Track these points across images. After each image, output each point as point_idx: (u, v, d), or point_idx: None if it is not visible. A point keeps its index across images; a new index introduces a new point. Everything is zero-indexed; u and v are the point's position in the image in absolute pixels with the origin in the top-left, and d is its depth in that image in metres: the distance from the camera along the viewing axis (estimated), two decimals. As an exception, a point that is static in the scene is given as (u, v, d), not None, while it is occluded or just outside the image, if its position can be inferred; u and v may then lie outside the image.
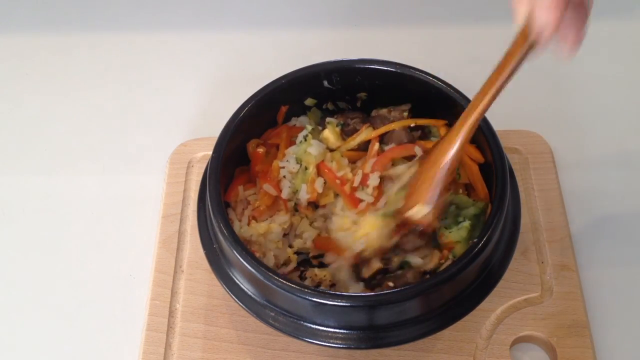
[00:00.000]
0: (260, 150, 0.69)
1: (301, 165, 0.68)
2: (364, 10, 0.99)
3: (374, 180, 0.66)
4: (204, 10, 1.00)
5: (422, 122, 0.70)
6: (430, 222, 0.61)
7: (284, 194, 0.67)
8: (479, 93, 0.56)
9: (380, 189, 0.66)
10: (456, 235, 0.63)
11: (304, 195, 0.67)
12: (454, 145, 0.59)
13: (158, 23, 0.99)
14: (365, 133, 0.70)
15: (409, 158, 0.67)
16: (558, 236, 0.71)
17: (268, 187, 0.68)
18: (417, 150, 0.67)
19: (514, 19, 0.49)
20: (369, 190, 0.66)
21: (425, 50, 0.92)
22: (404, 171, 0.65)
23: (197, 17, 1.00)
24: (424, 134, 0.70)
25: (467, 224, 0.63)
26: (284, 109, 0.71)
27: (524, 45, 0.50)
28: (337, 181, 0.67)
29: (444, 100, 0.67)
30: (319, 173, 0.68)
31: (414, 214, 0.60)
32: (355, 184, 0.66)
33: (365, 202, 0.65)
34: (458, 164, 0.62)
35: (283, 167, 0.68)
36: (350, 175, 0.67)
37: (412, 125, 0.70)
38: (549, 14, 0.45)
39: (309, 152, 0.68)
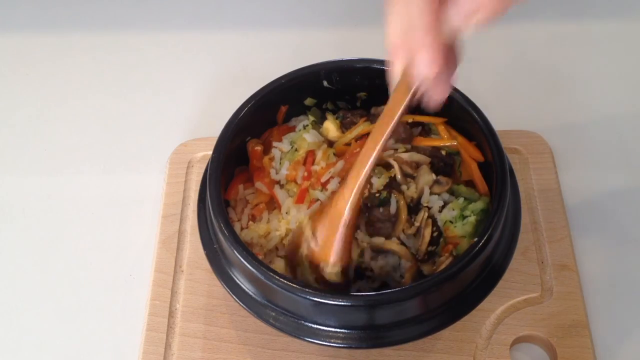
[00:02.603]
0: (258, 148, 0.69)
1: (292, 147, 0.68)
2: (364, 10, 0.99)
3: (333, 185, 0.66)
4: (204, 10, 1.00)
5: (420, 118, 0.70)
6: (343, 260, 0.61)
7: (272, 174, 0.68)
8: (368, 144, 0.56)
9: None
10: (461, 229, 0.62)
11: (283, 172, 0.67)
12: (347, 202, 0.59)
13: (158, 23, 0.99)
14: (362, 127, 0.70)
15: None
16: (558, 236, 0.71)
17: (260, 185, 0.68)
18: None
19: (390, 73, 0.51)
20: (327, 193, 0.65)
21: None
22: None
23: (197, 17, 1.00)
24: (424, 130, 0.70)
25: (472, 219, 0.63)
26: (283, 108, 0.71)
27: (406, 96, 0.52)
28: (305, 172, 0.67)
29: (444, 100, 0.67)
30: (304, 162, 0.68)
31: (327, 268, 0.61)
32: (323, 180, 0.66)
33: (318, 203, 0.65)
34: (356, 216, 0.61)
35: (275, 147, 0.69)
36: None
37: (410, 121, 0.70)
38: (429, 69, 0.47)
39: (303, 137, 0.68)
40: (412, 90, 0.52)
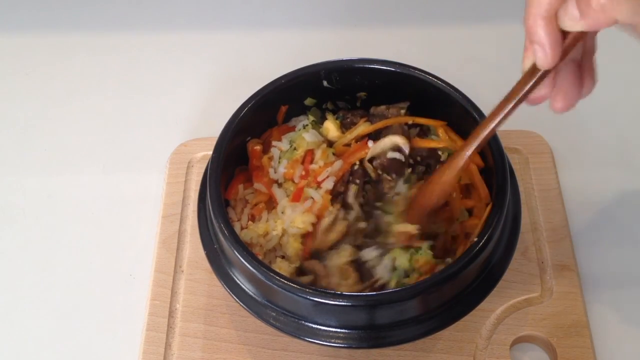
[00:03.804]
0: (258, 147, 0.69)
1: (291, 146, 0.69)
2: (364, 10, 0.99)
3: (327, 184, 0.66)
4: (204, 10, 1.00)
5: (420, 120, 0.70)
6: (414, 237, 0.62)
7: (271, 173, 0.68)
8: (485, 121, 0.57)
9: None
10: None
11: (281, 170, 0.68)
12: (453, 172, 0.60)
13: (158, 23, 0.99)
14: (362, 127, 0.70)
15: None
16: (558, 236, 0.71)
17: (259, 186, 0.68)
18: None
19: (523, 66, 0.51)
20: (321, 191, 0.66)
21: (425, 50, 0.93)
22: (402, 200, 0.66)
23: (197, 17, 1.00)
24: (422, 131, 0.70)
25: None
26: (283, 108, 0.71)
27: (529, 81, 0.52)
28: (303, 171, 0.67)
29: (443, 100, 0.67)
30: (302, 161, 0.68)
31: (401, 230, 0.62)
32: (320, 179, 0.66)
33: (310, 200, 0.65)
34: (453, 190, 0.63)
35: (275, 147, 0.69)
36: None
37: (409, 122, 0.70)
38: (542, 61, 0.48)
39: (302, 137, 0.69)
40: (534, 78, 0.51)
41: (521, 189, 0.68)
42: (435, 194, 0.62)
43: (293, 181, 0.67)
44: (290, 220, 0.64)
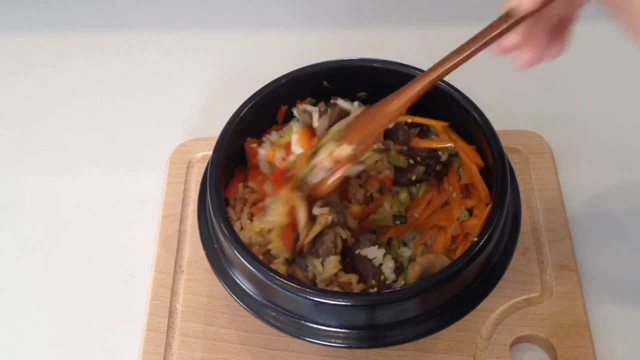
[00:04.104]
0: (254, 145, 0.69)
1: (280, 136, 0.69)
2: (364, 10, 0.99)
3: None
4: (204, 10, 1.00)
5: (420, 120, 0.70)
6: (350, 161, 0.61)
7: (262, 167, 0.68)
8: (451, 54, 0.56)
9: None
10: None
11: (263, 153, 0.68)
12: (402, 102, 0.59)
13: (158, 23, 0.99)
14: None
15: None
16: (558, 236, 0.71)
17: (253, 184, 0.68)
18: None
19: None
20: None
21: (425, 50, 0.92)
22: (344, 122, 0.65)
23: (197, 17, 1.00)
24: (423, 131, 0.70)
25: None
26: (283, 108, 0.71)
27: (502, 21, 0.51)
28: (284, 154, 0.67)
29: (444, 100, 0.67)
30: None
31: (339, 151, 0.61)
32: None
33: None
34: (398, 116, 0.62)
35: (265, 141, 0.70)
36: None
37: (409, 121, 0.70)
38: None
39: (291, 125, 0.69)
40: (510, 20, 0.51)
41: (521, 189, 0.68)
42: (377, 120, 0.60)
43: (274, 164, 0.67)
44: (278, 214, 0.64)
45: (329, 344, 0.58)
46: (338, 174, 0.61)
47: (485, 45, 0.52)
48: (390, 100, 0.60)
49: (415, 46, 0.93)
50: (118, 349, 0.68)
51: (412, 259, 0.64)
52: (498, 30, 0.51)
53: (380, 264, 0.63)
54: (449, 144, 0.67)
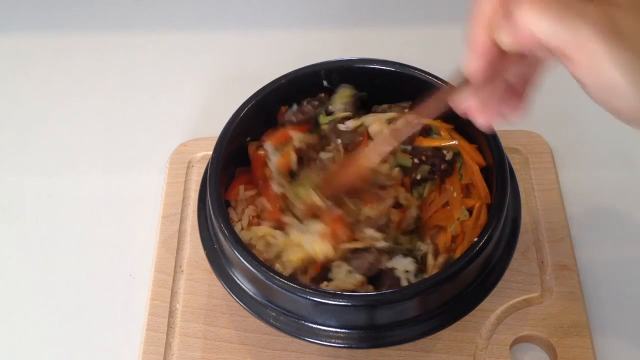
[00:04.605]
0: (262, 152, 0.69)
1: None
2: (364, 10, 0.99)
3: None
4: (204, 10, 1.00)
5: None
6: None
7: (274, 187, 0.67)
8: (407, 119, 0.57)
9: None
10: None
11: (274, 161, 0.68)
12: (373, 160, 0.61)
13: (158, 23, 0.99)
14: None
15: None
16: (558, 236, 0.71)
17: (265, 202, 0.67)
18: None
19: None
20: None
21: (425, 50, 0.92)
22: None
23: (197, 17, 1.00)
24: (425, 130, 0.70)
25: None
26: (284, 109, 0.71)
27: (458, 84, 0.51)
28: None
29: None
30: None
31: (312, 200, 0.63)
32: None
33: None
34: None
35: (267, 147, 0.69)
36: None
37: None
38: (468, 70, 0.47)
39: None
40: (457, 89, 0.50)
41: (521, 189, 0.68)
42: (351, 175, 0.62)
43: (291, 175, 0.68)
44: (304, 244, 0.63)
45: (329, 344, 0.58)
46: None
47: (438, 110, 0.53)
48: (365, 155, 0.62)
49: (415, 46, 0.93)
50: (118, 349, 0.68)
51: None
52: (449, 93, 0.51)
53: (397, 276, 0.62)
54: (453, 142, 0.67)
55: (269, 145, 0.69)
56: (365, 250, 0.62)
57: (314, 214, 0.64)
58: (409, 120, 0.57)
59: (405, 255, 0.63)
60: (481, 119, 0.51)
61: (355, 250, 0.62)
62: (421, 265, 0.63)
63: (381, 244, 0.62)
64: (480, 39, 0.46)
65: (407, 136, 0.59)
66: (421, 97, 0.69)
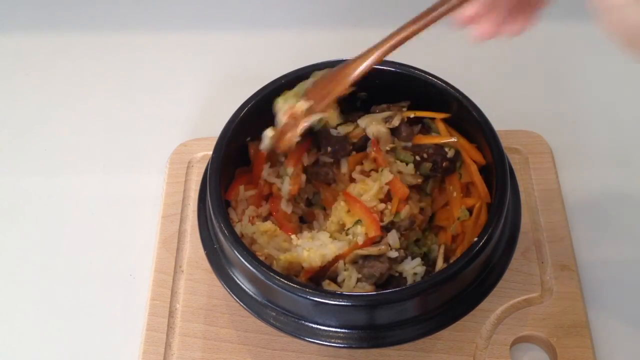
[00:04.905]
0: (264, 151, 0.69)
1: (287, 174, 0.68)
2: (364, 10, 0.99)
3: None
4: (203, 10, 1.00)
5: (421, 114, 0.70)
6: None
7: (283, 206, 0.68)
8: (403, 27, 0.57)
9: None
10: None
11: (286, 187, 0.68)
12: (363, 63, 0.59)
13: (158, 23, 0.99)
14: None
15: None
16: (558, 236, 0.71)
17: (272, 221, 0.67)
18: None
19: None
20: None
21: (425, 50, 0.92)
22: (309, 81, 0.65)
23: (197, 17, 1.00)
24: (424, 128, 0.70)
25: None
26: None
27: None
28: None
29: (444, 100, 0.67)
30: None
31: (298, 105, 0.62)
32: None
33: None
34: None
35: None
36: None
37: (411, 116, 0.70)
38: None
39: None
40: None
41: (521, 189, 0.68)
42: (337, 80, 0.61)
43: (300, 197, 0.69)
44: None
45: (329, 344, 0.58)
46: (297, 129, 0.62)
47: (443, 14, 0.51)
48: (352, 63, 0.61)
49: (415, 46, 0.93)
50: (118, 349, 0.68)
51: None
52: (455, 1, 0.49)
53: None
54: (452, 139, 0.67)
55: (280, 171, 0.69)
56: (377, 258, 0.61)
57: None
58: (406, 27, 0.57)
59: (414, 257, 0.63)
60: (481, 29, 0.50)
61: (367, 257, 0.61)
62: (430, 267, 0.63)
63: (394, 254, 0.62)
64: None
65: (399, 44, 0.58)
66: (421, 98, 0.69)
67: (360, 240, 0.63)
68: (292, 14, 0.99)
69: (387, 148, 0.69)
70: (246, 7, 1.00)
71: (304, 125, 0.61)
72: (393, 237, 0.63)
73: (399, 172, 0.67)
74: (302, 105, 0.61)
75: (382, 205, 0.65)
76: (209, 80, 0.91)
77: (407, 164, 0.68)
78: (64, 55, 0.95)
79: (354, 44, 0.95)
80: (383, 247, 0.61)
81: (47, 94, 0.91)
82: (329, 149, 0.68)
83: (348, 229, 0.64)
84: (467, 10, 0.50)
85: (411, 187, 0.67)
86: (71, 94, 0.91)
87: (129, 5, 1.01)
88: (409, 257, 0.63)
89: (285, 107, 0.62)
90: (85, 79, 0.93)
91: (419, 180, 0.68)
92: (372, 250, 0.61)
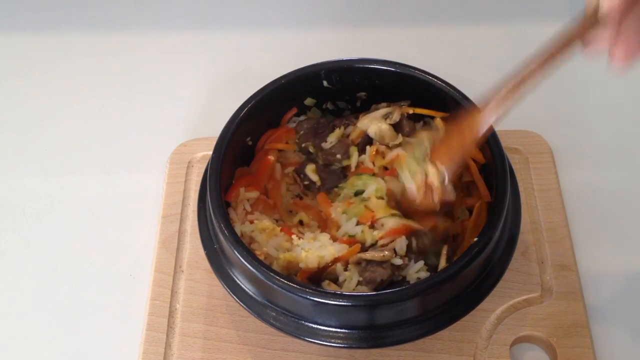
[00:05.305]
0: (271, 157, 0.70)
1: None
2: (364, 10, 0.99)
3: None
4: (203, 10, 1.00)
5: (421, 111, 0.70)
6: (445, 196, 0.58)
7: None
8: (529, 65, 0.51)
9: None
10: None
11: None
12: (490, 117, 0.54)
13: (158, 23, 0.99)
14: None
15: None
16: (558, 236, 0.71)
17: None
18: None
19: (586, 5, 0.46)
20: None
21: (425, 50, 0.93)
22: (425, 137, 0.61)
23: (197, 17, 1.00)
24: (427, 126, 0.70)
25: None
26: (294, 110, 0.71)
27: (586, 22, 0.47)
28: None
29: (444, 100, 0.67)
30: None
31: (433, 175, 0.57)
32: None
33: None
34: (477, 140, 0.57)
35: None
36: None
37: (411, 112, 0.70)
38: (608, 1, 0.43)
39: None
40: (587, 28, 0.46)
41: (521, 189, 0.68)
42: (467, 141, 0.56)
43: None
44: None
45: (329, 344, 0.58)
46: (435, 199, 0.58)
47: (566, 48, 0.49)
48: (471, 114, 0.56)
49: (415, 46, 0.93)
50: (118, 349, 0.68)
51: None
52: (582, 29, 0.47)
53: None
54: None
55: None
56: (380, 264, 0.61)
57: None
58: (531, 67, 0.51)
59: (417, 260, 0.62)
60: (620, 55, 0.46)
61: (370, 262, 0.61)
62: (433, 271, 0.63)
63: (398, 261, 0.61)
64: None
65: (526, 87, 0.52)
66: (421, 97, 0.69)
67: (368, 239, 0.63)
68: (292, 14, 0.99)
69: (396, 143, 0.68)
70: (246, 7, 1.00)
71: (441, 194, 0.58)
72: (401, 244, 0.61)
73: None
74: (434, 174, 0.58)
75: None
76: (209, 80, 0.91)
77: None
78: (64, 55, 0.95)
79: (354, 44, 0.96)
80: (387, 253, 0.60)
81: (47, 94, 0.91)
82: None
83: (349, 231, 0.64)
84: (596, 39, 0.47)
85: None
86: (71, 94, 0.91)
87: (129, 5, 1.01)
88: (412, 261, 0.62)
89: (416, 178, 0.59)
90: (85, 79, 0.93)
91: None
92: (376, 256, 0.60)
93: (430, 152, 0.58)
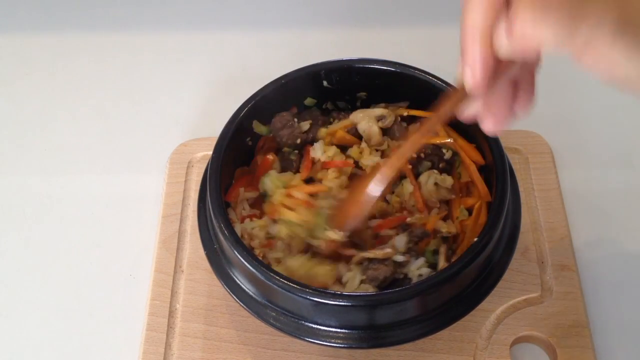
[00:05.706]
0: (270, 157, 0.69)
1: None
2: (364, 10, 0.99)
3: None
4: (203, 10, 1.00)
5: (415, 112, 0.70)
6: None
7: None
8: (410, 140, 0.56)
9: None
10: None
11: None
12: (376, 189, 0.58)
13: (158, 23, 0.99)
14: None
15: None
16: (558, 236, 0.71)
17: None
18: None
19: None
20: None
21: (425, 50, 0.93)
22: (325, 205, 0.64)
23: (197, 17, 1.00)
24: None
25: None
26: (294, 110, 0.71)
27: (457, 96, 0.49)
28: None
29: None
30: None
31: (333, 236, 0.61)
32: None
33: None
34: (385, 194, 0.62)
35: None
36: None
37: (404, 114, 0.70)
38: (468, 80, 0.44)
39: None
40: (458, 100, 0.48)
41: (521, 189, 0.68)
42: (361, 206, 0.60)
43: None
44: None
45: (329, 344, 0.58)
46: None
47: (439, 122, 0.52)
48: (362, 180, 0.60)
49: (415, 46, 0.93)
50: (118, 349, 0.68)
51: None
52: (449, 106, 0.49)
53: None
54: (448, 139, 0.67)
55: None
56: (382, 261, 0.61)
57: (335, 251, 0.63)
58: (412, 141, 0.55)
59: (417, 257, 0.62)
60: (490, 124, 0.49)
61: (372, 260, 0.61)
62: (434, 270, 0.63)
63: (400, 258, 0.61)
64: (474, 51, 0.43)
65: (408, 159, 0.57)
66: (420, 97, 0.69)
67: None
68: (292, 14, 0.99)
69: (380, 148, 0.69)
70: (246, 7, 1.00)
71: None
72: (400, 241, 0.62)
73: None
74: (334, 236, 0.61)
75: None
76: (209, 80, 0.91)
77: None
78: (64, 55, 0.95)
79: (354, 44, 0.96)
80: (389, 250, 0.61)
81: (47, 94, 0.91)
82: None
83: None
84: (468, 111, 0.49)
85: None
86: (71, 94, 0.91)
87: (129, 6, 1.01)
88: (413, 258, 0.62)
89: (319, 240, 0.62)
90: (85, 79, 0.93)
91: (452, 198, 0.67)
92: (378, 253, 0.61)
93: (328, 220, 0.62)
